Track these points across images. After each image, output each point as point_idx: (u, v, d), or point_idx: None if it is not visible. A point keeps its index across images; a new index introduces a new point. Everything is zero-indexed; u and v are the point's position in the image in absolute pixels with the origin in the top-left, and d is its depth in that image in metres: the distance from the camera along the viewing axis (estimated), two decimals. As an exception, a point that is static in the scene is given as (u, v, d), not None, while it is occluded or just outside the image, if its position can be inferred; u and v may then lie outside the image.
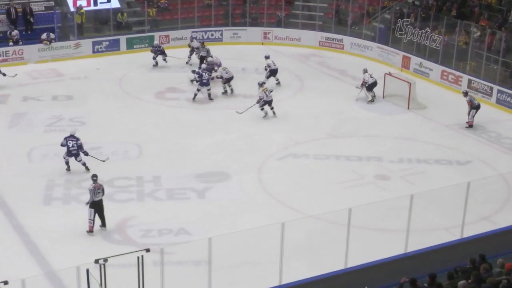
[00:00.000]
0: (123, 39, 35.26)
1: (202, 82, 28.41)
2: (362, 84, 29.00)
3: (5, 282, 12.80)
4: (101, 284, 13.85)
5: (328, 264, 16.37)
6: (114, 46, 35.07)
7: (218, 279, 15.39)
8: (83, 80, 30.94)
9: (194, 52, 33.31)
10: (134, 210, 20.04)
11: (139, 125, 25.95)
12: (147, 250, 14.70)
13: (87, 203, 18.52)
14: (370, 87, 28.82)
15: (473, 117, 26.37)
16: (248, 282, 16.58)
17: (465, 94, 26.89)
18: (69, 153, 21.80)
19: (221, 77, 29.36)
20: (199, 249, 15.66)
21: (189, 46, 33.76)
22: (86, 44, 34.46)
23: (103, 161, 22.16)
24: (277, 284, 15.55)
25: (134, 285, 14.65)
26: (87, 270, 13.65)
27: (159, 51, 32.72)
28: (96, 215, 18.58)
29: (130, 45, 35.44)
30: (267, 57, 30.63)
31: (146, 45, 35.54)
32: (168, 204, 20.60)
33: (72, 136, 21.88)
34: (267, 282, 15.71)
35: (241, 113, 26.54)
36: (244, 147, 24.48)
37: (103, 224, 18.79)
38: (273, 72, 30.24)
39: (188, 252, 17.19)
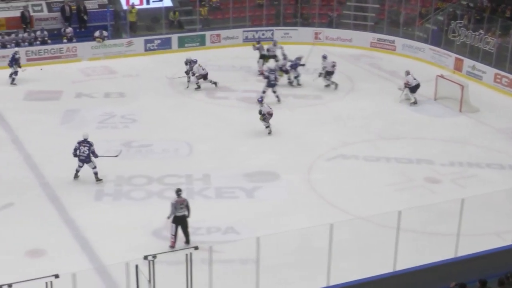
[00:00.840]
0: (174, 37, 35.54)
1: (270, 83, 28.29)
2: (405, 86, 28.71)
3: (56, 276, 12.97)
4: (149, 281, 13.96)
5: (376, 266, 16.25)
6: (165, 45, 35.36)
7: (266, 278, 15.39)
8: (135, 77, 31.27)
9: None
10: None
11: (189, 124, 26.09)
12: (196, 248, 14.80)
13: (168, 217, 17.72)
14: (413, 89, 28.54)
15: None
16: (296, 282, 16.55)
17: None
18: (79, 159, 21.01)
19: (199, 74, 29.62)
20: (247, 248, 15.69)
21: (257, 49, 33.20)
22: (138, 42, 34.82)
23: (116, 156, 21.90)
24: (325, 285, 15.49)
25: (182, 282, 14.75)
26: (136, 266, 13.79)
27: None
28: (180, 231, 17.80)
29: (182, 43, 35.68)
30: (324, 57, 30.49)
31: (198, 44, 35.79)
32: (217, 202, 20.67)
33: (85, 141, 21.07)
34: (315, 283, 15.69)
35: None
36: (293, 147, 24.45)
37: (187, 241, 17.90)
38: (329, 73, 30.05)
39: (236, 251, 17.22)
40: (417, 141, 25.39)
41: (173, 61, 33.72)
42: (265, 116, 25.03)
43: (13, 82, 29.84)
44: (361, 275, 15.76)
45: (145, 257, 13.99)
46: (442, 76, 29.74)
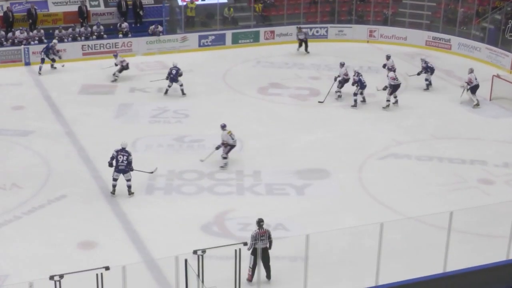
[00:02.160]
0: (228, 33, 35.65)
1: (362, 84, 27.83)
2: (467, 83, 28.27)
3: (107, 268, 13.16)
4: (198, 275, 14.07)
5: (426, 267, 16.12)
6: (219, 41, 35.49)
7: (314, 276, 15.40)
8: (188, 73, 31.36)
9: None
10: (233, 204, 20.22)
11: (241, 120, 26.14)
12: (245, 244, 14.89)
13: (248, 248, 15.85)
14: (473, 89, 28.11)
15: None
16: (344, 280, 16.48)
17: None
18: (117, 169, 20.05)
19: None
20: (296, 245, 15.73)
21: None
22: (193, 38, 35.03)
23: (151, 172, 21.20)
24: (373, 284, 15.43)
25: (230, 278, 14.84)
26: (186, 260, 13.91)
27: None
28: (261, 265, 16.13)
29: (236, 40, 35.78)
30: (388, 57, 30.26)
31: (251, 40, 35.85)
32: (267, 199, 20.69)
33: (123, 150, 20.21)
34: (364, 282, 15.64)
35: (203, 161, 22.71)
36: (345, 145, 24.34)
37: (268, 276, 16.30)
38: (395, 88, 28.14)
39: (285, 248, 17.21)
40: (471, 141, 25.06)
41: (227, 56, 33.87)
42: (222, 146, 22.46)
43: (52, 66, 31.24)
44: (410, 276, 15.67)
45: (195, 252, 14.12)
46: (498, 76, 29.30)
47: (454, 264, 15.88)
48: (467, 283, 15.50)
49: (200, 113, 26.78)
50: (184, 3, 35.59)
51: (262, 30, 36.31)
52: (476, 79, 28.08)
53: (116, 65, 30.29)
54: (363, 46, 36.41)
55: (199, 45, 35.14)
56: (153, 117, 26.40)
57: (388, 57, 30.13)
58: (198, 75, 31.34)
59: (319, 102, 28.10)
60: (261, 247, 15.84)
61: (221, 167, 22.25)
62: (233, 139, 22.29)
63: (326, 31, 37.31)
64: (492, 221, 18.62)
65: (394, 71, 28.74)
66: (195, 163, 22.41)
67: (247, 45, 35.62)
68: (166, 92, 28.35)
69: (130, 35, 34.08)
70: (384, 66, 30.13)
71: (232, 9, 36.73)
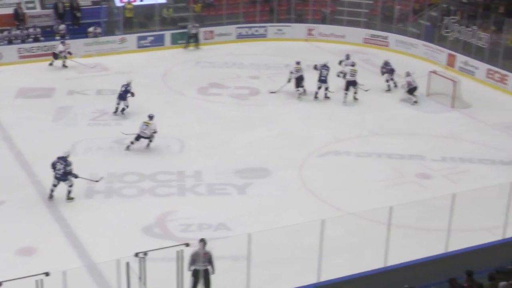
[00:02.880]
0: (167, 34, 35.49)
1: (321, 79, 28.35)
2: (408, 86, 28.56)
3: (46, 274, 12.97)
4: (140, 278, 13.97)
5: (368, 262, 16.29)
6: (158, 41, 35.32)
7: (257, 275, 15.41)
8: (127, 74, 31.08)
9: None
10: (174, 205, 20.14)
11: (181, 120, 26.06)
12: (187, 245, 14.80)
13: (188, 269, 15.30)
14: (412, 90, 28.49)
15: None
16: (287, 278, 16.53)
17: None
18: (55, 176, 19.85)
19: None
20: (238, 244, 15.68)
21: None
22: (131, 39, 34.78)
23: (97, 181, 20.66)
24: (315, 281, 15.53)
25: (173, 279, 14.75)
26: (127, 264, 13.80)
27: None
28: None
29: (175, 40, 35.64)
30: (348, 56, 30.41)
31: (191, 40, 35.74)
32: (209, 199, 20.67)
33: (62, 158, 19.91)
34: (306, 279, 15.71)
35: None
36: (285, 143, 24.45)
37: None
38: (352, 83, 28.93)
39: (228, 248, 17.19)
40: (409, 137, 25.42)
41: (166, 57, 33.72)
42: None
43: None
44: (352, 271, 15.81)
45: (136, 254, 14.00)
46: (434, 72, 29.79)
47: (395, 259, 16.08)
48: (408, 276, 15.68)
49: (140, 114, 26.48)
50: (122, 4, 35.31)
51: (201, 30, 36.21)
52: (414, 81, 28.44)
53: (60, 52, 30.60)
54: (302, 45, 36.62)
55: (138, 46, 34.88)
56: (93, 119, 26.12)
57: (347, 57, 30.21)
58: (137, 76, 31.04)
59: (271, 92, 28.64)
60: (202, 269, 15.31)
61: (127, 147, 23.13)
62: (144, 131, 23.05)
63: (265, 30, 37.43)
64: (431, 215, 18.92)
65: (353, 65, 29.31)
66: (136, 165, 22.26)
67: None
68: (115, 112, 26.64)
69: (67, 37, 33.64)
70: (340, 63, 30.28)
71: (171, 9, 36.58)
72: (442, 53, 33.50)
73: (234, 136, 24.93)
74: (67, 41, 32.38)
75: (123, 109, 26.46)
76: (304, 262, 16.67)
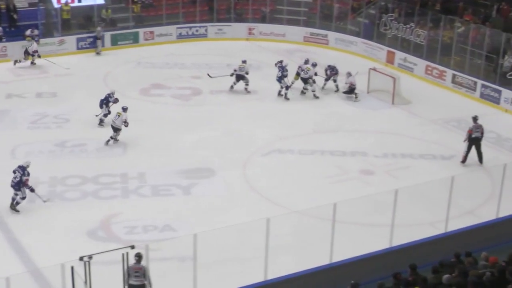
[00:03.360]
0: (107, 35, 35.10)
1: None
2: (349, 87, 28.77)
3: (-11, 281, 12.75)
4: (85, 282, 13.82)
5: (314, 259, 16.40)
6: (98, 43, 34.94)
7: (204, 275, 15.37)
8: (67, 76, 30.81)
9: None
10: (118, 207, 19.98)
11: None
12: (132, 247, 14.69)
13: (127, 283, 14.78)
14: (351, 91, 28.74)
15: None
16: (234, 278, 16.52)
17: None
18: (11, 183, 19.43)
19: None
20: (184, 245, 15.66)
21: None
22: (70, 40, 34.31)
23: (44, 201, 19.87)
24: (262, 279, 15.57)
25: (119, 282, 14.63)
26: (72, 268, 13.64)
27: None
28: None
29: (115, 41, 35.31)
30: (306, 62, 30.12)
31: (131, 41, 35.48)
32: (153, 200, 20.55)
33: (20, 167, 19.52)
34: (253, 278, 15.75)
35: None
36: (229, 143, 24.46)
37: None
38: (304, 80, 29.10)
39: (173, 249, 17.15)
40: (351, 133, 25.67)
41: (106, 58, 33.39)
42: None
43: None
44: (298, 268, 15.91)
45: (81, 258, 13.85)
46: (374, 69, 30.12)
47: (340, 255, 16.23)
48: (354, 272, 15.82)
49: (81, 117, 26.26)
50: (59, 5, 34.82)
51: (141, 30, 35.98)
52: (355, 81, 28.64)
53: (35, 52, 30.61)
54: (243, 44, 36.65)
55: (77, 48, 34.42)
56: (33, 123, 25.71)
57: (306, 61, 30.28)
58: (77, 78, 30.74)
59: (209, 75, 29.50)
60: (137, 284, 14.72)
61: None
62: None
63: (206, 30, 37.35)
64: (374, 211, 19.13)
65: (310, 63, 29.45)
66: (78, 168, 22.01)
67: (126, 46, 35.21)
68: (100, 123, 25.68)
69: (4, 39, 33.04)
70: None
71: (109, 10, 36.22)
72: (382, 50, 33.91)
73: (178, 137, 24.82)
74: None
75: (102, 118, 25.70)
76: (251, 261, 16.72)
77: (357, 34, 35.56)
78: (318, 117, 26.97)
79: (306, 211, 18.64)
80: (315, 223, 18.43)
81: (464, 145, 22.90)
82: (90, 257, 13.83)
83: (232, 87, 29.13)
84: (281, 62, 29.05)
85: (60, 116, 26.25)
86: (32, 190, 19.61)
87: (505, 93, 28.35)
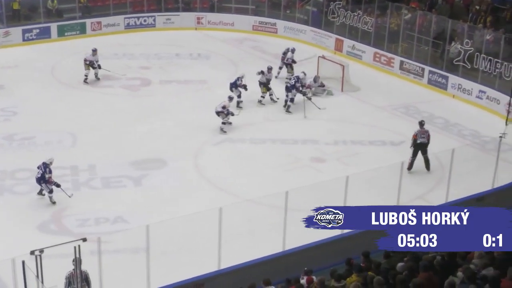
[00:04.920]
0: (54, 26, 34.61)
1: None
2: (310, 88, 28.48)
3: None
4: (37, 276, 13.68)
5: (267, 247, 16.48)
6: (44, 34, 34.42)
7: (157, 266, 15.37)
8: (13, 69, 30.33)
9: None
10: (69, 200, 19.76)
11: (73, 114, 25.56)
12: (84, 240, 14.56)
13: None
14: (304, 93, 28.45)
15: None
16: (187, 268, 16.51)
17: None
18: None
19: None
20: (136, 236, 15.61)
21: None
22: (16, 32, 33.72)
23: (70, 196, 19.74)
24: (216, 268, 15.62)
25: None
26: (23, 262, 13.50)
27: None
28: None
29: (61, 32, 34.82)
30: (288, 50, 30.16)
31: (78, 32, 35.06)
32: (104, 192, 20.43)
33: (43, 164, 19.45)
34: (206, 267, 15.80)
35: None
36: (180, 133, 24.38)
37: None
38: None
39: (126, 240, 17.06)
40: (301, 121, 25.77)
41: (54, 50, 32.94)
42: None
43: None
44: (252, 257, 15.97)
45: (32, 252, 13.70)
46: (323, 57, 30.26)
47: (293, 242, 16.33)
48: (307, 259, 15.94)
49: (29, 109, 25.91)
50: (7, -4, 34.23)
51: (88, 21, 35.53)
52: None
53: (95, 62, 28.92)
54: (191, 34, 36.48)
55: (24, 39, 33.88)
56: (-21, 117, 25.33)
57: (289, 50, 30.11)
58: (24, 70, 30.28)
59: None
60: None
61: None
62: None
63: (154, 20, 37.06)
64: (326, 198, 19.19)
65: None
66: (28, 161, 21.73)
67: (73, 37, 34.76)
68: None
69: None
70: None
71: (55, 0, 35.69)
72: (330, 38, 34.06)
73: (128, 128, 24.66)
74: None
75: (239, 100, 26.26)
76: (204, 250, 16.73)
77: (306, 22, 35.67)
78: (269, 106, 26.99)
79: (258, 199, 18.67)
80: (267, 211, 18.51)
81: (410, 151, 22.02)
82: (41, 251, 13.69)
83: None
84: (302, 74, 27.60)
85: (7, 109, 25.85)
86: (58, 185, 19.42)
87: (452, 79, 28.74)
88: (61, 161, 21.76)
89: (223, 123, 24.43)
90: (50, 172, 19.38)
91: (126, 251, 16.92)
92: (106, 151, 22.82)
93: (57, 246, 14.68)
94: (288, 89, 26.51)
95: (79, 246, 14.14)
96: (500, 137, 19.96)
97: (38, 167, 19.52)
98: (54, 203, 19.57)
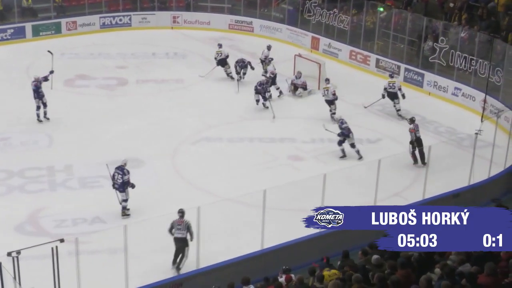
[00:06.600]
0: (28, 26, 34.39)
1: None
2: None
3: None
4: (14, 277, 13.61)
5: (245, 246, 16.50)
6: (19, 34, 34.19)
7: (135, 266, 15.35)
8: (-12, 70, 30.14)
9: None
10: (46, 201, 19.70)
11: (49, 114, 25.35)
12: (61, 241, 14.51)
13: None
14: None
15: None
16: (165, 267, 16.51)
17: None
18: (113, 185, 18.95)
19: None
20: (114, 237, 15.56)
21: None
22: (-11, 32, 33.55)
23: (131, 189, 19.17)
24: (194, 268, 15.61)
25: (49, 277, 14.45)
26: (0, 264, 13.39)
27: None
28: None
29: (36, 32, 34.60)
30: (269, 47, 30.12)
31: (53, 32, 34.85)
32: (81, 193, 20.33)
33: (119, 168, 18.91)
34: (185, 267, 15.80)
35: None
36: (156, 132, 24.32)
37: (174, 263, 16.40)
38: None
39: (104, 241, 17.00)
40: (279, 120, 25.78)
41: (28, 50, 32.73)
42: None
43: None
44: (230, 256, 15.99)
45: (9, 254, 13.63)
46: (300, 55, 30.33)
47: (272, 241, 16.36)
48: (285, 257, 15.99)
49: (4, 110, 25.73)
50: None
51: (63, 21, 35.35)
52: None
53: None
54: (167, 33, 36.40)
55: (-3, 40, 33.72)
56: (-47, 118, 25.10)
57: (269, 48, 30.09)
58: (-1, 70, 30.11)
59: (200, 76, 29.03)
60: (179, 237, 16.09)
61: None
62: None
63: (130, 19, 36.93)
64: (304, 196, 19.26)
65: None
66: (3, 162, 21.60)
67: (49, 37, 34.54)
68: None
69: None
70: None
71: (30, 0, 35.50)
72: (306, 36, 34.14)
73: (105, 128, 24.56)
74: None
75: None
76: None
77: (282, 21, 35.71)
78: (246, 104, 26.97)
79: (236, 198, 18.68)
80: (245, 210, 18.51)
81: (409, 147, 22.25)
82: (18, 252, 13.63)
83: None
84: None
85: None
86: (133, 186, 18.97)
87: (428, 76, 28.91)
88: (37, 162, 21.73)
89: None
90: (128, 172, 18.91)
91: (104, 252, 16.87)
92: (82, 151, 22.71)
93: (34, 247, 14.61)
94: (258, 90, 26.46)
95: (56, 247, 14.09)
96: (476, 134, 20.13)
97: (112, 176, 18.87)
98: (128, 215, 18.89)
